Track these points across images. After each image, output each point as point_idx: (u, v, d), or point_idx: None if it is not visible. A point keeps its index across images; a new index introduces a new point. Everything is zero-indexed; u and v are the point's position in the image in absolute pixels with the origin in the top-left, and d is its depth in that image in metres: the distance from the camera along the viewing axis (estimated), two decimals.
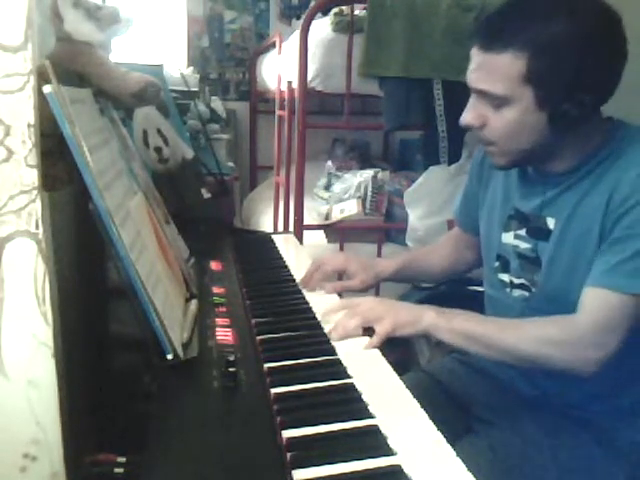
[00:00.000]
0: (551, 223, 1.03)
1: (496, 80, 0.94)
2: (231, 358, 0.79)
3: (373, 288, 2.14)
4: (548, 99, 0.93)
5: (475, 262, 1.32)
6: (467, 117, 1.01)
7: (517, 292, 1.10)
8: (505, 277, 1.12)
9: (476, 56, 0.97)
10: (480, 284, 1.29)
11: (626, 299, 0.90)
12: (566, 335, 0.93)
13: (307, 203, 2.19)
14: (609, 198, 0.94)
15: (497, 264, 1.14)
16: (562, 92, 0.92)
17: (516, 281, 1.10)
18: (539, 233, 1.05)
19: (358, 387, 0.79)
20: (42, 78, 0.64)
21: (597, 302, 0.92)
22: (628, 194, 0.92)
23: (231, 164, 2.52)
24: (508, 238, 1.11)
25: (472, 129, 1.02)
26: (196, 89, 2.40)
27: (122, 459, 0.61)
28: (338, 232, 2.20)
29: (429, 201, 2.18)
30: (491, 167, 1.17)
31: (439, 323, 0.96)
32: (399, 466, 0.63)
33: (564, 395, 1.06)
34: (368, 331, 0.97)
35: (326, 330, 0.97)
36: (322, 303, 1.09)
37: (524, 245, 1.08)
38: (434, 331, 0.97)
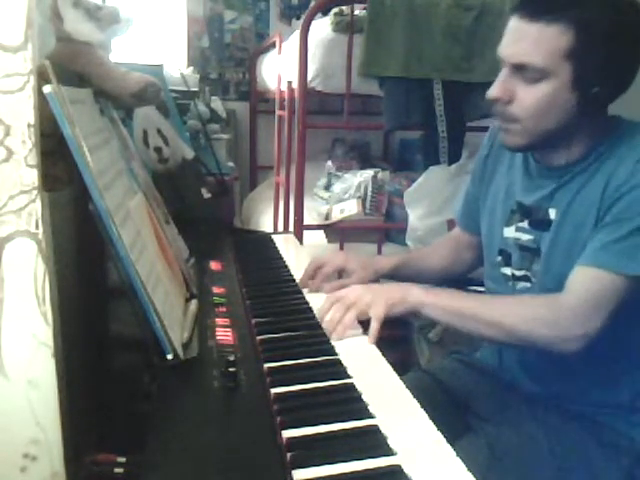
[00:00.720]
0: (553, 214, 1.04)
1: (539, 52, 0.93)
2: (231, 358, 0.79)
3: None
4: (583, 79, 0.94)
5: (474, 263, 1.33)
6: (495, 90, 0.99)
7: (519, 284, 1.10)
8: (507, 271, 1.13)
9: (519, 27, 0.95)
10: (480, 284, 1.29)
11: (615, 278, 0.92)
12: (550, 312, 0.95)
13: (307, 203, 2.19)
14: (605, 187, 0.96)
15: (499, 259, 1.14)
16: (597, 74, 0.93)
17: (518, 273, 1.10)
18: (541, 224, 1.06)
19: (358, 387, 0.79)
20: (42, 78, 0.64)
21: (585, 280, 0.94)
22: (623, 181, 0.94)
23: (231, 164, 2.52)
24: (510, 232, 1.12)
25: (497, 104, 1.00)
26: (196, 89, 2.39)
27: (122, 459, 0.61)
28: (338, 232, 2.20)
29: (429, 201, 2.18)
30: (495, 165, 1.17)
31: (426, 300, 0.99)
32: (399, 466, 0.63)
33: (564, 392, 1.06)
34: (364, 324, 0.98)
35: (325, 328, 0.97)
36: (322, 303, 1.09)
37: (526, 237, 1.08)
38: (421, 308, 0.99)
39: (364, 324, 0.98)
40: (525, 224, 1.09)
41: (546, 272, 1.05)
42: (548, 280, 1.04)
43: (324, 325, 0.98)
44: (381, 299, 0.98)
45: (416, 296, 0.99)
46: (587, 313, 0.92)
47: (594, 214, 0.98)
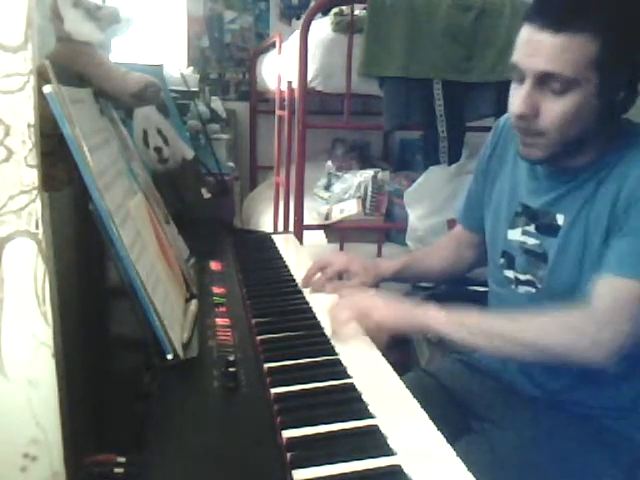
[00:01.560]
0: (560, 219, 1.03)
1: (567, 62, 0.90)
2: (231, 358, 0.79)
3: (373, 291, 2.16)
4: (611, 85, 0.92)
5: (476, 262, 1.32)
6: (521, 106, 0.95)
7: (523, 289, 1.09)
8: (510, 274, 1.12)
9: (542, 37, 0.91)
10: (480, 284, 1.29)
11: (639, 287, 0.90)
12: (584, 323, 0.92)
13: (307, 203, 2.19)
14: (617, 193, 0.95)
15: (502, 261, 1.14)
16: (623, 80, 0.93)
17: (522, 277, 1.10)
18: (548, 229, 1.05)
19: (358, 387, 0.79)
20: (42, 78, 0.64)
21: (611, 289, 0.92)
22: (636, 185, 0.93)
23: (231, 164, 2.52)
24: (515, 235, 1.11)
25: (521, 120, 0.97)
26: (196, 89, 2.39)
27: (122, 459, 0.61)
28: (338, 232, 2.20)
29: (429, 201, 2.18)
30: (499, 164, 1.16)
31: (439, 318, 0.96)
32: (399, 466, 0.63)
33: (564, 394, 1.06)
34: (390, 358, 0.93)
35: (327, 331, 0.96)
36: (322, 303, 1.09)
37: (532, 241, 1.07)
38: (435, 326, 0.96)
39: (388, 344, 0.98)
40: (532, 228, 1.07)
41: (553, 279, 1.03)
42: (555, 287, 1.03)
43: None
44: (388, 309, 0.97)
45: (429, 315, 0.96)
46: (619, 323, 0.90)
47: (605, 221, 0.96)
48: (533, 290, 1.08)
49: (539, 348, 0.94)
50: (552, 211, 1.04)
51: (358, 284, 1.23)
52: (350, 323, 0.96)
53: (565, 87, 0.92)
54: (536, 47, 0.92)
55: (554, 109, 0.94)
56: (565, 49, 0.90)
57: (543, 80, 0.93)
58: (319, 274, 1.22)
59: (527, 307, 1.07)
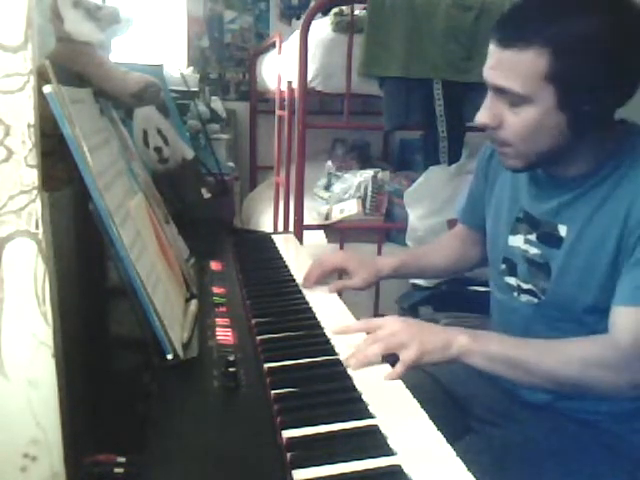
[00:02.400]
0: (562, 230, 1.00)
1: (516, 78, 0.90)
2: (231, 358, 0.79)
3: (373, 291, 2.16)
4: (570, 99, 0.90)
5: (480, 260, 1.31)
6: (483, 116, 0.97)
7: (525, 297, 1.08)
8: (512, 281, 1.10)
9: (495, 53, 0.92)
10: (480, 284, 1.29)
11: None
12: (609, 355, 0.90)
13: (307, 203, 2.19)
14: (628, 211, 0.92)
15: (504, 267, 1.12)
16: (585, 92, 0.89)
17: (524, 286, 1.08)
18: (550, 240, 1.02)
19: (358, 387, 0.79)
20: (42, 78, 0.64)
21: (632, 320, 0.89)
22: None
23: (231, 164, 2.52)
24: (516, 241, 1.09)
25: (487, 129, 0.98)
26: (196, 89, 2.39)
27: (122, 459, 0.61)
28: (338, 232, 2.20)
29: (429, 201, 2.18)
30: (498, 165, 1.15)
31: (473, 348, 0.90)
32: (399, 466, 0.63)
33: (565, 399, 1.06)
34: (390, 357, 0.89)
35: (342, 357, 0.88)
36: (322, 303, 1.09)
37: (533, 250, 1.05)
38: (468, 357, 0.91)
39: (389, 358, 0.90)
40: (533, 237, 1.05)
41: (556, 292, 1.02)
42: (558, 300, 1.02)
43: (336, 334, 0.93)
44: (417, 344, 0.88)
45: (461, 344, 0.90)
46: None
47: (614, 240, 0.93)
48: (535, 300, 1.06)
49: (562, 381, 0.92)
50: (554, 221, 1.02)
51: (358, 282, 1.23)
52: (377, 359, 0.87)
53: (519, 101, 0.92)
54: (492, 61, 0.94)
55: (513, 122, 0.94)
56: (514, 65, 0.90)
57: (501, 93, 0.94)
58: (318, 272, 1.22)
59: (527, 315, 1.07)
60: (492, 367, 0.92)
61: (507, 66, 0.91)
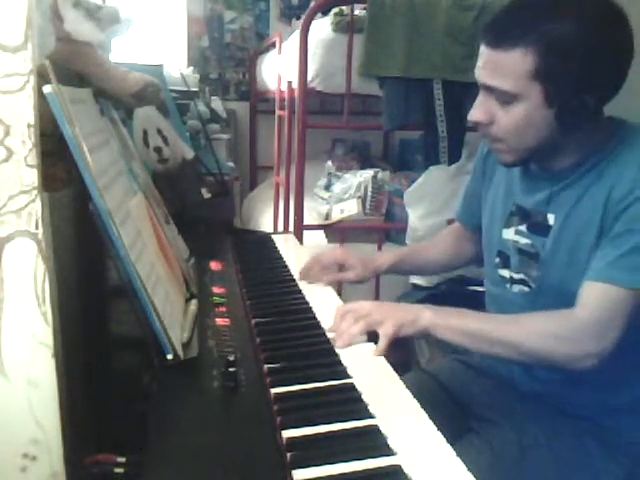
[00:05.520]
0: (551, 219, 1.04)
1: (505, 77, 0.94)
2: (231, 358, 0.79)
3: (373, 291, 2.16)
4: (556, 96, 0.94)
5: (474, 257, 1.34)
6: (475, 114, 1.01)
7: (517, 287, 1.10)
8: (505, 273, 1.13)
9: (485, 53, 0.97)
10: (480, 284, 1.29)
11: (626, 294, 0.91)
12: (567, 330, 0.94)
13: (307, 203, 2.19)
14: (608, 195, 0.95)
15: (497, 260, 1.14)
16: (570, 89, 0.93)
17: (516, 276, 1.10)
18: (539, 229, 1.06)
19: (358, 387, 0.79)
20: (42, 78, 0.64)
21: (597, 296, 0.93)
22: (628, 190, 0.93)
23: (231, 164, 2.52)
24: (508, 234, 1.12)
25: (479, 126, 1.02)
26: (196, 89, 2.39)
27: (122, 459, 0.61)
28: (338, 232, 2.20)
29: (429, 201, 2.18)
30: (495, 163, 1.17)
31: (437, 321, 0.97)
32: (399, 466, 0.63)
33: (564, 393, 1.06)
34: (372, 337, 0.96)
35: (330, 336, 0.95)
36: (322, 303, 1.09)
37: (524, 240, 1.08)
38: (434, 330, 0.97)
39: (370, 336, 0.97)
40: (524, 227, 1.09)
41: (545, 279, 1.04)
42: (547, 287, 1.04)
43: (330, 333, 0.97)
44: (391, 319, 0.96)
45: (428, 318, 0.96)
46: (602, 330, 0.91)
47: (597, 223, 0.97)
48: (526, 289, 1.08)
49: (522, 352, 0.95)
50: (543, 211, 1.05)
51: (355, 275, 1.25)
52: (361, 337, 0.95)
53: (508, 99, 0.96)
54: (482, 61, 0.98)
55: (504, 118, 0.98)
56: (501, 64, 0.94)
57: (490, 92, 0.98)
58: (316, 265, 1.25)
59: (521, 306, 1.08)
60: (456, 339, 0.97)
61: (496, 65, 0.95)
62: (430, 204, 2.18)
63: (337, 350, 0.90)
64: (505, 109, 0.97)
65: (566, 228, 1.01)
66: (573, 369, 0.94)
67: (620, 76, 0.96)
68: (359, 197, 2.32)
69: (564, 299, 0.97)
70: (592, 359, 0.92)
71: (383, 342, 0.93)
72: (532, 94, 0.94)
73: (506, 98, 0.96)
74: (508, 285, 1.12)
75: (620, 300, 0.91)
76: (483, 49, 0.97)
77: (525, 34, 0.92)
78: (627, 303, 0.91)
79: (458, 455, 0.66)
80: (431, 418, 0.73)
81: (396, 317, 0.96)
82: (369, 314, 0.97)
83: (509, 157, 1.03)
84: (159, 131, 1.32)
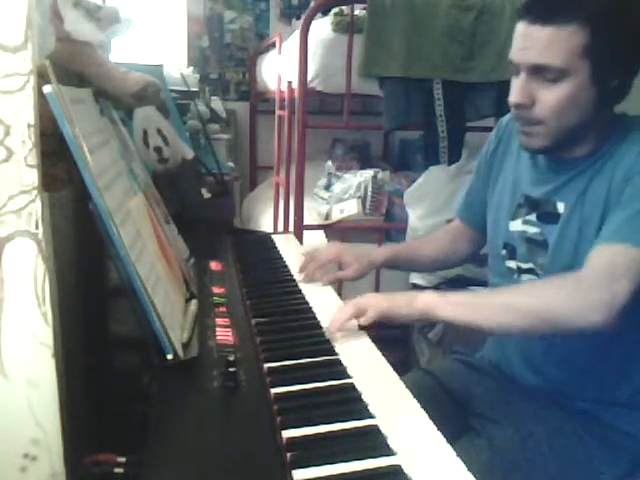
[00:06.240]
0: (561, 207, 1.05)
1: (556, 53, 0.94)
2: (231, 358, 0.79)
3: (373, 291, 2.16)
4: (603, 73, 0.95)
5: (469, 256, 1.36)
6: (517, 96, 1.00)
7: (525, 277, 1.11)
8: (512, 264, 1.13)
9: (530, 31, 0.96)
10: (480, 284, 1.30)
11: (634, 252, 0.91)
12: (574, 284, 0.93)
13: (307, 203, 2.19)
14: (610, 181, 0.98)
15: (504, 252, 1.15)
16: (615, 67, 0.95)
17: (524, 266, 1.11)
18: (549, 217, 1.06)
19: (358, 387, 0.79)
20: (42, 78, 0.64)
21: (604, 254, 0.93)
22: (627, 170, 0.96)
23: (231, 164, 2.52)
24: (516, 226, 1.12)
25: (519, 109, 1.01)
26: (196, 89, 2.39)
27: (122, 459, 0.61)
28: (338, 232, 2.20)
29: (429, 201, 2.18)
30: (503, 159, 1.18)
31: (438, 300, 0.97)
32: (399, 466, 0.63)
33: (565, 386, 1.07)
34: (366, 328, 0.97)
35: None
36: (322, 303, 1.09)
37: (533, 230, 1.09)
38: (434, 310, 0.97)
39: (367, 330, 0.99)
40: (533, 217, 1.09)
41: (553, 265, 1.05)
42: (554, 273, 1.04)
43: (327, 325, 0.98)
44: (384, 300, 0.99)
45: (426, 300, 0.98)
46: (610, 280, 0.90)
47: (601, 208, 0.99)
48: (535, 278, 1.09)
49: (533, 315, 0.93)
50: (553, 199, 1.06)
51: (352, 273, 1.26)
52: (350, 320, 0.97)
53: (557, 76, 0.96)
54: (527, 41, 0.97)
55: (549, 97, 0.97)
56: (554, 40, 0.94)
57: (536, 71, 0.97)
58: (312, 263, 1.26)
59: None
60: (461, 315, 0.97)
61: (546, 42, 0.95)
62: (430, 204, 2.18)
63: (337, 350, 0.90)
64: (550, 88, 0.97)
65: (574, 215, 1.02)
66: (587, 327, 0.90)
67: None
68: (359, 197, 2.32)
69: None
70: (604, 311, 0.88)
71: (372, 312, 0.95)
72: (580, 71, 0.95)
73: (555, 75, 0.95)
74: (515, 276, 1.12)
75: (629, 257, 0.91)
76: (526, 28, 0.96)
77: (579, 9, 0.93)
78: (636, 261, 0.91)
79: (458, 454, 0.66)
80: (431, 418, 0.73)
81: (389, 299, 0.99)
82: (364, 299, 0.99)
83: (543, 141, 1.02)
84: (159, 131, 1.32)
